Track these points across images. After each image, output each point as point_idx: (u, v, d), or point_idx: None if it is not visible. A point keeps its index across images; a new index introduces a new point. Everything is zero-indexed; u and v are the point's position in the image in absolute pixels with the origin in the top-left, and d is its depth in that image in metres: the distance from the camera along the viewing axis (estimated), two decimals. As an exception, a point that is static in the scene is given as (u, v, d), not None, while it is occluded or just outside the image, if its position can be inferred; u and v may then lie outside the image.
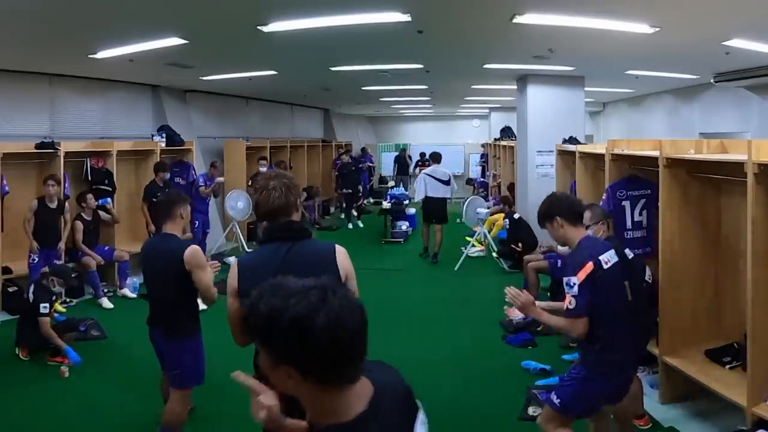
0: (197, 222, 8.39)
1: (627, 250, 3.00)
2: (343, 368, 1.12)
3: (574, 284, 2.67)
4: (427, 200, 8.90)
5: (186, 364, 3.29)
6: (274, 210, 2.29)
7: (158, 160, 7.95)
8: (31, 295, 4.99)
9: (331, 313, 1.08)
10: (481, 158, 16.77)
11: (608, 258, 2.74)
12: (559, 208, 2.89)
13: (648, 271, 3.93)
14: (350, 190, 12.68)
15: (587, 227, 3.36)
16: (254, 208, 2.42)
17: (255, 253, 2.40)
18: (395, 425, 1.22)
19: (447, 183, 8.93)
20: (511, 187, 10.56)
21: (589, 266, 2.68)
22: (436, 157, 9.26)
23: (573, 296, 2.68)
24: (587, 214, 3.47)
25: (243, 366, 1.57)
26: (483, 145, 16.85)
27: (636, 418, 3.63)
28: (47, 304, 4.89)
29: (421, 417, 1.30)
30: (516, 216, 8.53)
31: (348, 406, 1.15)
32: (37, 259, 6.25)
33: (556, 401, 2.82)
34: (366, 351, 1.16)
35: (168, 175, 7.88)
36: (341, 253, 2.29)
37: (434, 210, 8.84)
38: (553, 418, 2.87)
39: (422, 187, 8.92)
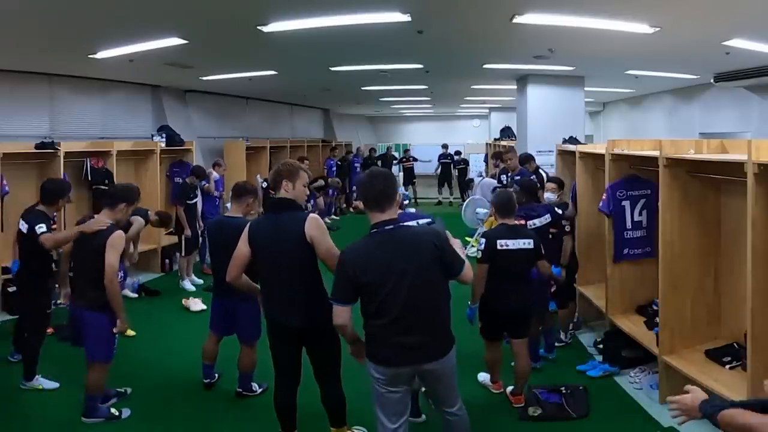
0: None
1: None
2: None
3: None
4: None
5: (257, 320, 3.97)
6: (273, 184, 3.30)
7: (196, 164, 8.10)
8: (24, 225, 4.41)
9: None
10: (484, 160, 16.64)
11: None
12: None
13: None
14: None
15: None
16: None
17: (259, 219, 3.44)
18: None
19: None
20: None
21: None
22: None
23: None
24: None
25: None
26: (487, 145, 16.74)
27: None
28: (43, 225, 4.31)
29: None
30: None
31: None
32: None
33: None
34: None
35: (200, 183, 7.65)
36: (310, 220, 3.12)
37: None
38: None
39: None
